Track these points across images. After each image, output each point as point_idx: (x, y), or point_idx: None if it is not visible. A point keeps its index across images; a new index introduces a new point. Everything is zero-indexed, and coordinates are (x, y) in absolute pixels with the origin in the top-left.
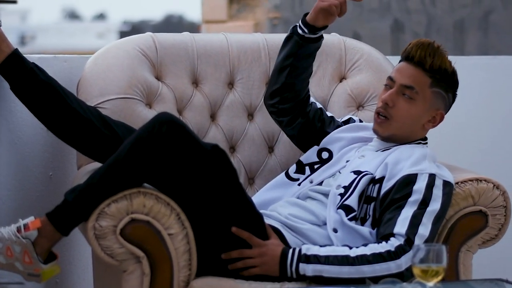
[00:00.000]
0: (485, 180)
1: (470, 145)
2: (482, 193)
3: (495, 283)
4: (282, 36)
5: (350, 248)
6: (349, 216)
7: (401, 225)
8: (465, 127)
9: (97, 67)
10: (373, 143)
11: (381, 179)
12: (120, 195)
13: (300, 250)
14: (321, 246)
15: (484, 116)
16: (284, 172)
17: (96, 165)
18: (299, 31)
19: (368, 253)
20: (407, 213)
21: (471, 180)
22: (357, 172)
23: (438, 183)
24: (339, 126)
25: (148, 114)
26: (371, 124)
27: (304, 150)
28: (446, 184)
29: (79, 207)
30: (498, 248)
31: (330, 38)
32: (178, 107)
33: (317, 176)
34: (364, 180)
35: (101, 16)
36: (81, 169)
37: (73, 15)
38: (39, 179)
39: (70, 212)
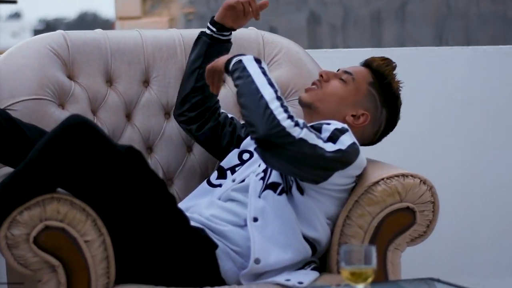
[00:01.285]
0: (411, 176)
1: (395, 140)
2: (409, 189)
3: (426, 283)
4: (198, 31)
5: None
6: (278, 191)
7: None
8: None
9: (6, 67)
10: None
11: None
12: (32, 202)
13: (260, 60)
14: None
15: (406, 110)
16: (205, 180)
17: (8, 170)
18: (207, 31)
19: (285, 103)
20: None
21: (397, 176)
22: None
23: (348, 135)
24: None
25: (61, 115)
26: None
27: (218, 157)
28: (355, 144)
29: None
30: (427, 245)
31: (248, 32)
32: (92, 107)
33: (238, 174)
34: None
35: (16, 15)
36: None
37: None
38: None
39: None
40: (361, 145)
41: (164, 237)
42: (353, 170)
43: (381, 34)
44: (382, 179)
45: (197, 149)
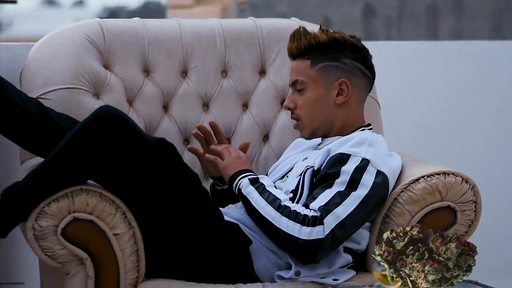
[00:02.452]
0: (453, 174)
1: (440, 135)
2: (450, 188)
3: (463, 285)
4: (239, 22)
5: (288, 198)
6: None
7: (320, 201)
8: (435, 116)
9: (41, 55)
10: (313, 143)
11: (320, 168)
12: (61, 193)
13: (256, 176)
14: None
15: (456, 104)
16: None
17: (38, 160)
18: (216, 187)
19: (292, 208)
20: (331, 191)
21: (438, 173)
22: (301, 174)
23: (371, 170)
24: None
25: (95, 105)
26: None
27: None
28: (379, 174)
29: (17, 206)
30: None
31: (290, 23)
32: (128, 97)
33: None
34: (308, 176)
35: (80, 3)
36: (24, 164)
37: (51, 2)
38: None
39: (7, 212)
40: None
41: (196, 231)
42: (392, 186)
43: (437, 26)
44: (423, 176)
45: (236, 142)
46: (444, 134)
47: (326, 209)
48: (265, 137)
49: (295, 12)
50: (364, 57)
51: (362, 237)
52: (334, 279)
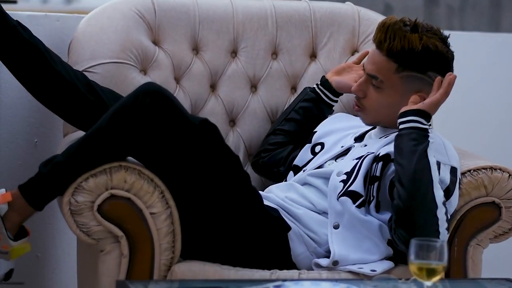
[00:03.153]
0: (500, 169)
1: (493, 129)
2: (496, 183)
3: (500, 283)
4: (292, 4)
5: (341, 180)
6: (357, 203)
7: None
8: (490, 110)
9: (90, 28)
10: (375, 131)
11: (386, 156)
12: (99, 169)
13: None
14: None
15: (509, 98)
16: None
17: (81, 134)
18: (324, 89)
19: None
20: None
21: (484, 168)
22: (359, 158)
23: (458, 180)
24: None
25: (142, 81)
26: (355, 117)
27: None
28: (459, 183)
29: (54, 180)
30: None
31: (344, 7)
32: (175, 75)
33: (312, 163)
34: (367, 160)
35: None
36: (67, 137)
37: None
38: (22, 146)
39: (44, 185)
40: None
41: (235, 215)
42: None
43: (499, 18)
44: (469, 170)
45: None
46: (498, 129)
47: (448, 229)
48: None
49: None
50: (449, 67)
51: None
52: (372, 270)
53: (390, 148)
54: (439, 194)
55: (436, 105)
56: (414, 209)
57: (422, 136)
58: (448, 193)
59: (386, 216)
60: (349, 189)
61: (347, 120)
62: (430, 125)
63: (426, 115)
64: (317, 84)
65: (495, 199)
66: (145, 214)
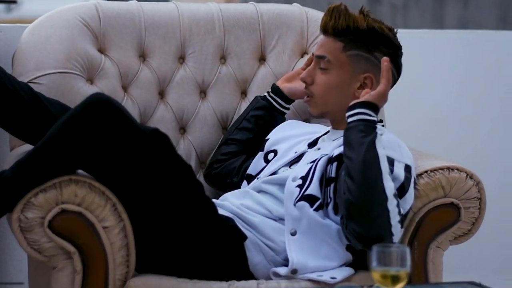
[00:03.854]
0: (457, 169)
1: (444, 128)
2: (454, 184)
3: (464, 287)
4: (239, 7)
5: (297, 185)
6: (315, 206)
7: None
8: (439, 108)
9: (34, 37)
10: (328, 135)
11: (340, 156)
12: (49, 184)
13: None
14: None
15: (461, 96)
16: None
17: (28, 147)
18: (274, 96)
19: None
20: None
21: (441, 168)
22: (313, 161)
23: (413, 178)
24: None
25: (89, 91)
26: (308, 123)
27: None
28: (414, 183)
29: (2, 197)
30: (471, 244)
31: (291, 9)
32: (122, 83)
33: (266, 169)
34: (322, 162)
35: None
36: (14, 151)
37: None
38: None
39: None
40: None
41: (189, 225)
42: None
43: (443, 15)
44: (426, 171)
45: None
46: (449, 127)
47: (404, 221)
48: None
49: None
50: (396, 55)
51: None
52: (332, 277)
53: (340, 146)
54: (389, 186)
55: (383, 95)
56: (364, 202)
57: (370, 127)
58: (402, 190)
59: None
60: (306, 193)
61: (300, 126)
62: (382, 122)
63: (374, 107)
64: (268, 92)
65: (453, 200)
66: (98, 228)
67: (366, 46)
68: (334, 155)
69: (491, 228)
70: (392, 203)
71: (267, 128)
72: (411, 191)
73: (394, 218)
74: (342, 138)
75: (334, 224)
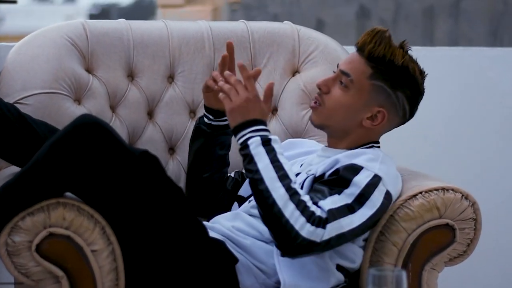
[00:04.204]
0: (452, 190)
1: (438, 146)
2: (449, 204)
3: None
4: (229, 25)
5: (301, 183)
6: None
7: (330, 203)
8: (432, 126)
9: (20, 57)
10: (319, 155)
11: (322, 175)
12: (36, 207)
13: (268, 137)
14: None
15: (454, 114)
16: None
17: (15, 169)
18: (205, 119)
19: (302, 198)
20: (341, 200)
21: (436, 189)
22: (303, 182)
23: (381, 189)
24: None
25: (76, 111)
26: (305, 140)
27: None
28: (387, 194)
29: None
30: (466, 265)
31: (283, 27)
32: (111, 103)
33: None
34: (308, 182)
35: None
36: (0, 173)
37: (3, 1)
38: None
39: None
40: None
41: (179, 248)
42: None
43: (433, 30)
44: (420, 192)
45: None
46: (442, 145)
47: (334, 215)
48: None
49: (287, 12)
50: (416, 102)
51: (356, 255)
52: None
53: (325, 165)
54: (279, 193)
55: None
56: (264, 217)
57: (244, 145)
58: (362, 198)
59: None
60: None
61: (295, 147)
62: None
63: (257, 122)
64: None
65: (448, 221)
66: (86, 252)
67: (393, 82)
68: (317, 174)
69: (486, 249)
70: (287, 209)
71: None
72: (373, 202)
73: (297, 221)
74: (332, 157)
75: None
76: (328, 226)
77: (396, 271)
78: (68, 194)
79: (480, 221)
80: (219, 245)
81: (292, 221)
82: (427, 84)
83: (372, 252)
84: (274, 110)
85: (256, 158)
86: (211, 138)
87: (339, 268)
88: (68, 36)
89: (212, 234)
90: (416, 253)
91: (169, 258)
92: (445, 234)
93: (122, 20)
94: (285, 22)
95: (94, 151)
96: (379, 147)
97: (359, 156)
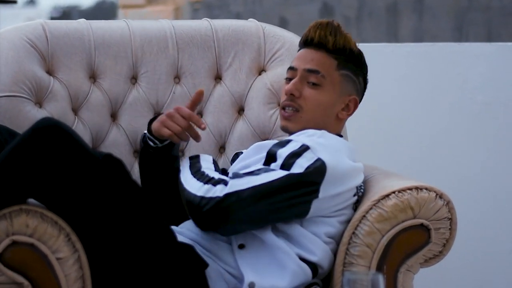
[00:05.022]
0: (426, 189)
1: (406, 145)
2: (423, 204)
3: None
4: (192, 23)
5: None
6: None
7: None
8: (400, 125)
9: None
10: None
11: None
12: None
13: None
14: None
15: (421, 111)
16: None
17: None
18: (150, 142)
19: (206, 173)
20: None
21: (410, 188)
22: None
23: (308, 156)
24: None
25: (37, 115)
26: (272, 141)
27: None
28: (318, 161)
29: None
30: (442, 266)
31: (248, 25)
32: (73, 105)
33: None
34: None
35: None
36: None
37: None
38: None
39: None
40: None
41: (147, 254)
42: (335, 185)
43: (397, 27)
44: (393, 192)
45: (191, 152)
46: (412, 144)
47: (239, 174)
48: (221, 148)
49: (250, 11)
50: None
51: (316, 247)
52: None
53: (272, 143)
54: (186, 177)
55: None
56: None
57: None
58: (285, 166)
59: (306, 223)
60: None
61: (263, 150)
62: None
63: None
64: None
65: (423, 221)
66: (51, 260)
67: (355, 68)
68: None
69: (461, 249)
70: (188, 184)
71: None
72: (294, 166)
73: (193, 187)
74: (281, 138)
75: (283, 239)
76: (231, 181)
77: (371, 274)
78: (31, 200)
79: (455, 221)
80: (188, 249)
81: (191, 190)
82: (395, 81)
83: (345, 254)
84: (241, 110)
85: (181, 167)
86: (162, 158)
87: (304, 261)
88: (28, 38)
89: (180, 238)
90: (391, 254)
91: (136, 264)
92: (420, 234)
93: (82, 20)
94: (250, 19)
95: (56, 156)
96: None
97: (298, 136)
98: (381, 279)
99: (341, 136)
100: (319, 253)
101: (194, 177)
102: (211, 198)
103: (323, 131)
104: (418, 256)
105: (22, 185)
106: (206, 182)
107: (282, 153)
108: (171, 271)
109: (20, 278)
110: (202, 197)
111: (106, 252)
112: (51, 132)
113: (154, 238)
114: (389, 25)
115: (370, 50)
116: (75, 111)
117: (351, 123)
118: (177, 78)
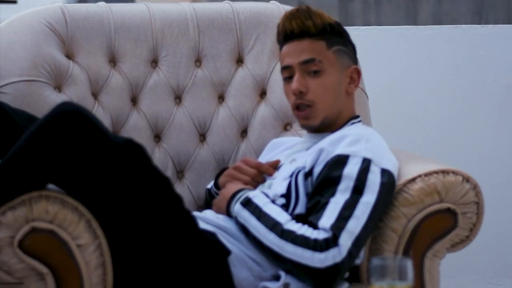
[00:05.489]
0: (453, 172)
1: (428, 128)
2: (450, 188)
3: None
4: (213, 6)
5: (290, 217)
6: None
7: (328, 217)
8: (422, 108)
9: None
10: (301, 143)
11: (312, 169)
12: (18, 200)
13: (247, 197)
14: (272, 201)
15: (444, 94)
16: None
17: None
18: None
19: (298, 232)
20: (337, 202)
21: (436, 172)
22: (290, 175)
23: (374, 170)
24: None
25: (57, 99)
26: (287, 138)
27: None
28: (384, 173)
29: None
30: (469, 250)
31: (269, 7)
32: (92, 90)
33: None
34: (300, 178)
35: None
36: None
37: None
38: None
39: None
40: None
41: (168, 241)
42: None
43: (416, 10)
44: (419, 176)
45: (212, 138)
46: (436, 128)
47: (338, 226)
48: (243, 132)
49: None
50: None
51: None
52: None
53: (311, 156)
54: (269, 237)
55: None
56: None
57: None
58: (358, 191)
59: None
60: (295, 212)
61: (279, 146)
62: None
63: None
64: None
65: (450, 206)
66: (71, 247)
67: (340, 39)
68: (307, 169)
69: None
70: (287, 252)
71: None
72: (371, 187)
73: (304, 256)
74: (315, 145)
75: None
76: (340, 240)
77: (399, 259)
78: (51, 186)
79: (482, 205)
80: (210, 236)
81: (299, 260)
82: (417, 64)
83: (371, 239)
84: (263, 94)
85: (246, 224)
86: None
87: None
88: (46, 21)
89: (203, 224)
90: (417, 239)
91: (157, 251)
92: (446, 219)
93: (102, 3)
94: (271, 1)
95: (76, 141)
96: (359, 121)
97: (343, 141)
98: (409, 264)
99: (358, 116)
100: (362, 253)
101: (287, 241)
102: (329, 266)
103: (358, 130)
104: (444, 241)
105: (42, 170)
106: (314, 249)
107: (349, 174)
108: (192, 258)
109: (40, 266)
110: (321, 268)
111: (127, 239)
112: (71, 117)
113: (175, 224)
114: (408, 9)
115: (391, 33)
116: (95, 95)
117: (373, 106)
118: (198, 61)
